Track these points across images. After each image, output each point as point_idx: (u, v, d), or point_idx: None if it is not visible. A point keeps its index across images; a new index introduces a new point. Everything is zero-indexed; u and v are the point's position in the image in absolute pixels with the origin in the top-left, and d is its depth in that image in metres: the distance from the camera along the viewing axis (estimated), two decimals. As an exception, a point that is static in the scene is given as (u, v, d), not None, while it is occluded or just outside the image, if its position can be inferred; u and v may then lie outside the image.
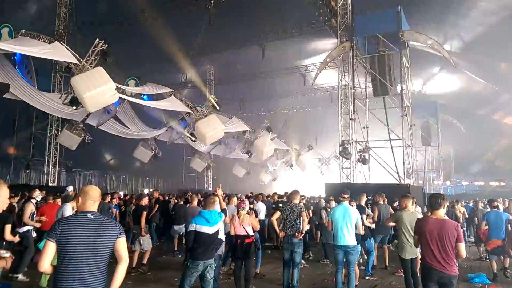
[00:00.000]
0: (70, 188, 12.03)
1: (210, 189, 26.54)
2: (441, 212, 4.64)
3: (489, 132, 32.68)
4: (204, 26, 18.64)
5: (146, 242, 8.59)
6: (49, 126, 19.79)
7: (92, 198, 3.14)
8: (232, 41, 24.01)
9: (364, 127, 16.93)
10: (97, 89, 11.53)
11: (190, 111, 16.78)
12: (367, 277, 8.23)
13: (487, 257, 9.60)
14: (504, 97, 31.02)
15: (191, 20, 20.78)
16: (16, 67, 12.92)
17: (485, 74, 28.55)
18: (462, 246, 4.46)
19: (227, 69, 29.27)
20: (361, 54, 17.47)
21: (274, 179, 29.38)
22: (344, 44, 17.11)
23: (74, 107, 13.35)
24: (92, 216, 3.01)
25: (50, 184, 19.12)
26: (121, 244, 3.05)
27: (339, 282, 6.64)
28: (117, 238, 3.01)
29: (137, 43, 23.10)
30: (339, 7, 17.42)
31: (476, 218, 12.28)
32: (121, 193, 19.41)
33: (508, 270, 8.72)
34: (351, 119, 16.83)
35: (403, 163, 16.08)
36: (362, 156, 16.55)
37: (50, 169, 19.80)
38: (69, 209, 7.52)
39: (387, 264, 9.27)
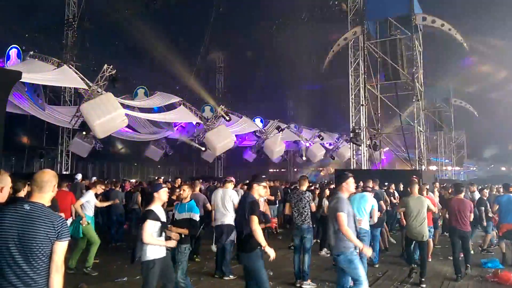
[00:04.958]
0: (79, 176, 12.19)
1: (220, 176, 26.65)
2: (462, 195, 7.52)
3: (502, 117, 32.16)
4: (213, 13, 18.54)
5: None
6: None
7: (38, 185, 2.76)
8: (242, 27, 23.81)
9: (375, 113, 16.77)
10: (107, 116, 11.44)
11: (200, 121, 16.71)
12: (375, 266, 8.21)
13: (496, 242, 9.61)
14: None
15: (201, 8, 20.68)
16: (26, 90, 12.81)
17: (498, 57, 27.93)
18: (472, 214, 7.38)
19: (237, 56, 29.09)
20: (372, 38, 17.19)
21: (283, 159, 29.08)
22: (355, 29, 16.86)
23: (84, 132, 13.39)
24: (28, 208, 2.66)
25: (63, 173, 19.40)
26: (58, 248, 2.67)
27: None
28: (55, 240, 2.65)
29: (147, 31, 23.07)
30: (350, -9, 17.13)
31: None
32: (133, 180, 19.62)
33: None
34: (362, 105, 16.67)
35: (415, 148, 15.93)
36: (373, 142, 16.45)
37: (63, 158, 20.06)
38: (91, 195, 7.74)
39: (387, 246, 9.77)
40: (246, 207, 4.59)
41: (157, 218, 4.55)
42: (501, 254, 8.70)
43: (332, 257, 8.46)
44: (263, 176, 5.05)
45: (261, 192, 4.83)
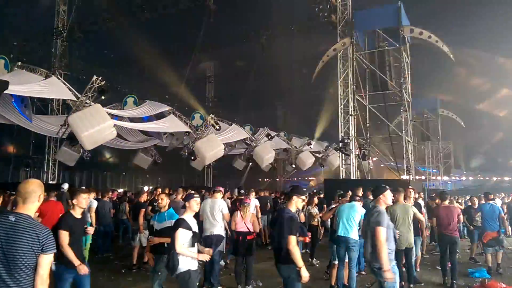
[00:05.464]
0: (65, 186, 12.02)
1: (210, 185, 26.51)
2: (447, 202, 7.99)
3: (488, 127, 32.72)
4: (204, 23, 18.62)
5: (144, 238, 8.64)
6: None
7: (22, 195, 2.71)
8: (232, 37, 23.95)
9: (364, 123, 16.93)
10: (95, 128, 11.24)
11: (190, 130, 16.65)
12: (362, 273, 8.18)
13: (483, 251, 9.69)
14: (502, 92, 31.02)
15: (191, 17, 20.75)
16: (13, 100, 12.60)
17: (484, 68, 28.50)
18: (461, 220, 8.09)
19: (227, 66, 29.20)
20: (361, 49, 17.42)
21: (272, 166, 29.10)
22: (344, 40, 17.06)
23: (72, 145, 13.19)
24: (13, 219, 2.61)
25: (50, 182, 19.11)
26: (43, 261, 2.63)
27: (341, 278, 6.63)
28: (40, 252, 2.61)
29: (137, 40, 23.07)
30: (339, 2, 17.37)
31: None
32: (121, 190, 19.42)
33: (501, 266, 8.74)
34: (350, 115, 16.81)
35: (403, 158, 16.09)
36: (362, 152, 16.57)
37: (50, 167, 19.78)
38: (94, 203, 7.58)
39: None
40: (283, 223, 4.46)
41: (189, 228, 4.46)
42: (491, 262, 8.77)
43: (326, 267, 8.57)
44: (304, 189, 4.93)
45: (299, 205, 4.75)
